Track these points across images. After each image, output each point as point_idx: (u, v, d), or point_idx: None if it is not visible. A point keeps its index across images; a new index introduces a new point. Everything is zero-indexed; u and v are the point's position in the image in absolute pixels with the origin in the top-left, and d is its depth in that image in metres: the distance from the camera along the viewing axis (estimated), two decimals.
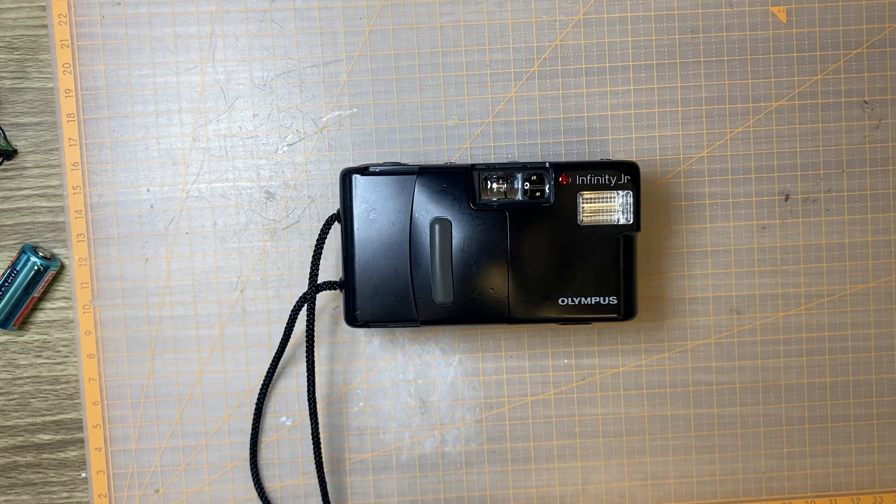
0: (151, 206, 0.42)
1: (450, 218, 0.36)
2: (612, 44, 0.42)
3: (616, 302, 0.37)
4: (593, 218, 0.36)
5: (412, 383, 0.43)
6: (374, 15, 0.42)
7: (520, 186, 0.37)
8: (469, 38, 0.42)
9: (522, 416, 0.43)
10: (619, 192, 0.36)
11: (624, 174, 0.36)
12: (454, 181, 0.36)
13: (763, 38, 0.42)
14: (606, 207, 0.36)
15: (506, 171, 0.37)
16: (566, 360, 0.43)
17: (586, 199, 0.36)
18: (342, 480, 0.43)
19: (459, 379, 0.43)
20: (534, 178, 0.36)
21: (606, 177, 0.36)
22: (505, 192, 0.37)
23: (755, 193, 0.43)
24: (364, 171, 0.36)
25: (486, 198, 0.37)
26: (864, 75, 0.43)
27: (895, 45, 0.43)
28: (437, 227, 0.36)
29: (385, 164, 0.37)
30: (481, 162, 0.37)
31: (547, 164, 0.36)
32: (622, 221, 0.36)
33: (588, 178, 0.36)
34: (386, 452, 0.43)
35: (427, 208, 0.36)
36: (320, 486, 0.41)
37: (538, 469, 0.43)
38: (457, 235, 0.36)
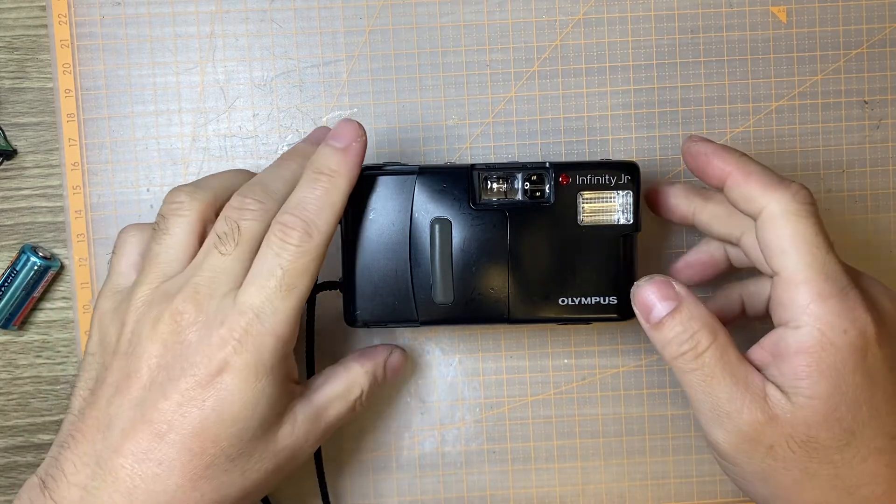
0: (151, 206, 0.42)
1: (450, 218, 0.36)
2: (612, 44, 0.42)
3: (616, 302, 0.37)
4: (593, 218, 0.36)
5: (412, 383, 0.43)
6: (374, 15, 0.42)
7: (520, 186, 0.36)
8: (469, 39, 0.42)
9: (522, 416, 0.43)
10: (619, 191, 0.36)
11: (624, 174, 0.36)
12: (454, 181, 0.36)
13: (763, 38, 0.42)
14: (606, 207, 0.36)
15: (506, 171, 0.36)
16: (566, 360, 0.43)
17: (586, 199, 0.36)
18: (342, 480, 0.43)
19: (459, 379, 0.43)
20: (534, 178, 0.36)
21: (606, 177, 0.36)
22: (505, 192, 0.36)
23: None
24: (364, 170, 0.36)
25: (486, 198, 0.36)
26: (864, 75, 0.43)
27: (895, 45, 0.43)
28: (436, 227, 0.36)
29: (385, 163, 0.37)
30: (481, 162, 0.37)
31: (547, 164, 0.36)
32: (622, 221, 0.36)
33: (588, 178, 0.36)
34: (386, 452, 0.43)
35: (427, 208, 0.36)
36: (320, 486, 0.41)
37: (538, 469, 0.43)
38: (457, 235, 0.36)
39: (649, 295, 0.34)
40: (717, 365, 0.32)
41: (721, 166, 0.34)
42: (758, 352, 0.33)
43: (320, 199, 0.33)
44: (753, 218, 0.33)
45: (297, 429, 0.34)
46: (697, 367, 0.32)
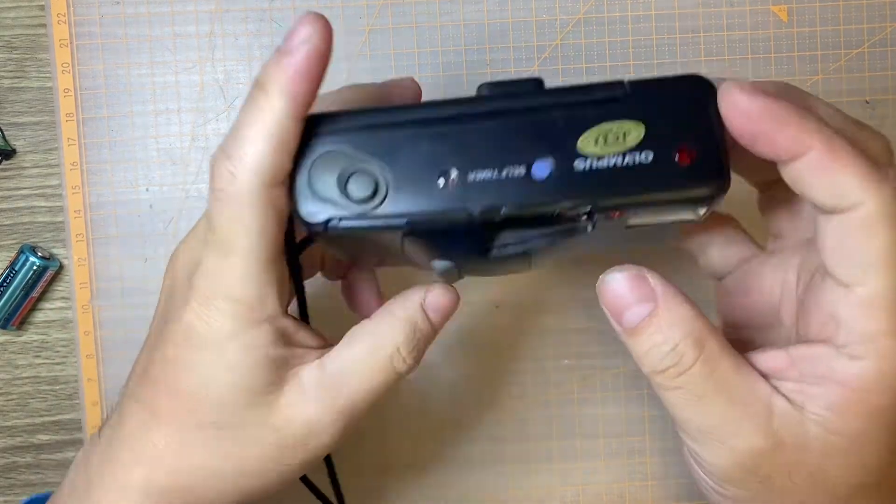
0: (151, 206, 0.42)
1: (455, 266, 0.28)
2: (613, 43, 0.42)
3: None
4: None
5: (412, 383, 0.43)
6: (374, 14, 0.42)
7: (551, 230, 0.26)
8: (469, 38, 0.42)
9: (522, 416, 0.43)
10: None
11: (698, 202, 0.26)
12: (459, 239, 0.26)
13: (764, 38, 0.42)
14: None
15: (532, 223, 0.26)
16: (566, 361, 0.43)
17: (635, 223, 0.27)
18: (341, 482, 0.43)
19: (459, 379, 0.43)
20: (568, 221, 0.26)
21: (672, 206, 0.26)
22: (530, 238, 0.27)
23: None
24: (325, 226, 0.26)
25: (503, 250, 0.27)
26: (865, 75, 0.42)
27: None
28: (438, 267, 0.28)
29: (350, 192, 0.26)
30: (492, 202, 0.25)
31: (592, 210, 0.25)
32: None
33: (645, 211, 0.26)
34: (385, 453, 0.43)
35: (423, 253, 0.27)
36: (333, 485, 0.40)
37: (538, 469, 0.43)
38: (464, 274, 0.29)
39: (620, 292, 0.27)
40: (707, 382, 0.26)
41: (798, 138, 0.24)
42: (776, 357, 0.27)
43: (249, 125, 0.26)
44: (830, 211, 0.25)
45: (304, 399, 0.28)
46: (681, 384, 0.26)
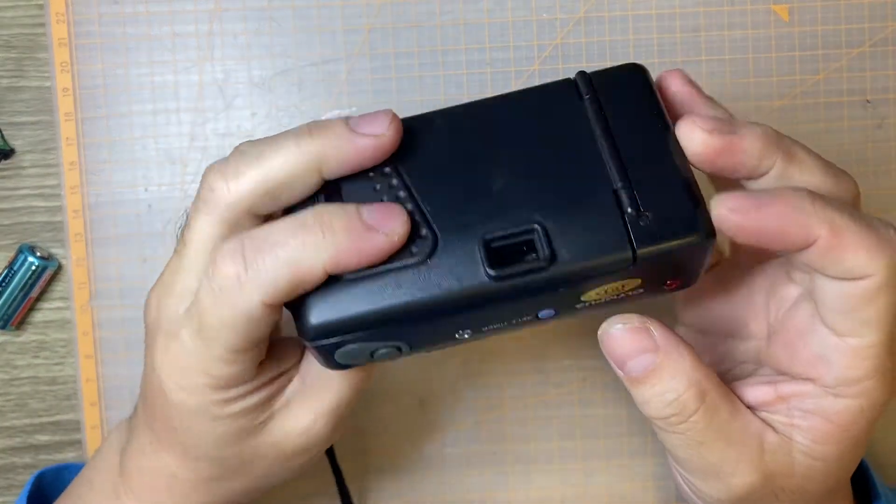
0: (149, 206, 0.42)
1: None
2: (614, 42, 0.42)
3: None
4: None
5: (412, 384, 0.43)
6: (374, 13, 0.42)
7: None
8: (469, 37, 0.42)
9: (523, 416, 0.43)
10: None
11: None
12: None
13: (765, 37, 0.42)
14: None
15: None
16: (567, 361, 0.43)
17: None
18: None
19: (459, 379, 0.43)
20: None
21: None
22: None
23: None
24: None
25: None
26: (866, 74, 0.42)
27: None
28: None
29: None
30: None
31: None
32: None
33: None
34: (385, 454, 0.43)
35: None
36: (337, 480, 0.40)
37: (539, 470, 0.43)
38: None
39: (622, 343, 0.28)
40: (708, 430, 0.27)
41: (803, 235, 0.25)
42: (765, 392, 0.29)
43: (289, 253, 0.25)
44: (837, 279, 0.26)
45: (295, 413, 0.30)
46: (682, 431, 0.28)
